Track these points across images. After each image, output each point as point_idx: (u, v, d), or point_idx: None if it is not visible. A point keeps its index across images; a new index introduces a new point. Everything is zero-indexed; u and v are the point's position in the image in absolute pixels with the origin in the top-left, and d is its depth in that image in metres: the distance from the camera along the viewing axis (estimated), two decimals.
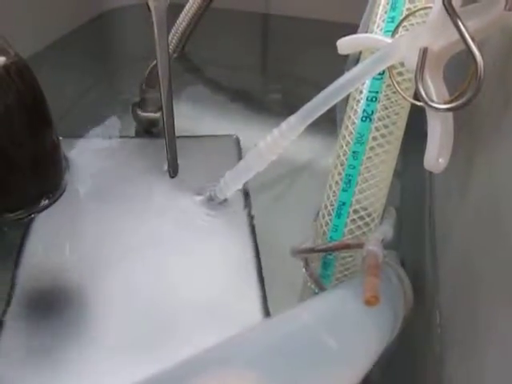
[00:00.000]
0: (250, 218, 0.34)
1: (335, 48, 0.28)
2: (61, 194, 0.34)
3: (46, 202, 0.33)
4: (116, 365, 0.25)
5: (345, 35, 0.28)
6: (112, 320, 0.27)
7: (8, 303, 0.28)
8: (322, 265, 0.29)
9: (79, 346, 0.26)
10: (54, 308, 0.28)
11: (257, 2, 0.62)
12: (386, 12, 0.27)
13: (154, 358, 0.25)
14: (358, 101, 0.27)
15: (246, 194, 0.35)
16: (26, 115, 0.30)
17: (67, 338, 0.26)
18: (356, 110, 0.27)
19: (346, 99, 0.27)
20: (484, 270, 0.21)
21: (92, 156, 0.39)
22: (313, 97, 0.25)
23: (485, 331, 0.20)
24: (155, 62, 0.34)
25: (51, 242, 0.31)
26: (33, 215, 0.33)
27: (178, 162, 0.37)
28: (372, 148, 0.26)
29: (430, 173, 0.24)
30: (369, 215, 0.27)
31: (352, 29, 0.37)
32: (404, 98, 0.25)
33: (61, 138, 0.35)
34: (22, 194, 0.33)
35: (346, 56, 0.35)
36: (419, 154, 0.24)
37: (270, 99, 0.50)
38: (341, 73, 0.26)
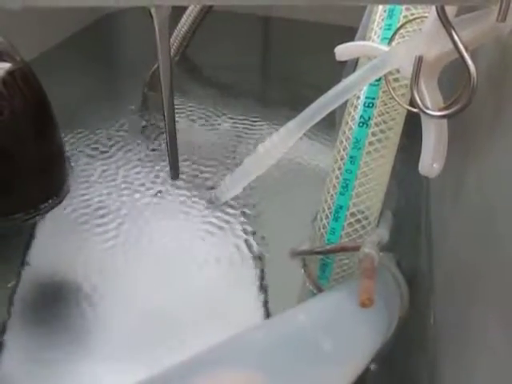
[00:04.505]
0: (250, 220, 0.34)
1: None
2: (64, 196, 0.35)
3: (50, 203, 0.34)
4: (117, 366, 0.26)
5: (345, 38, 0.28)
6: (114, 321, 0.28)
7: (12, 304, 0.28)
8: (320, 266, 0.30)
9: (81, 346, 0.26)
10: (57, 309, 0.28)
11: (258, 5, 0.63)
12: (383, 19, 0.27)
13: (154, 359, 0.26)
14: (356, 106, 0.27)
15: (246, 196, 0.36)
16: (30, 119, 0.31)
17: (70, 339, 0.27)
18: (353, 116, 0.27)
19: (345, 104, 0.28)
20: (478, 272, 0.22)
21: (95, 158, 0.40)
22: (314, 99, 0.26)
23: (476, 333, 0.20)
24: (157, 65, 0.35)
25: (55, 244, 0.32)
26: (37, 217, 0.33)
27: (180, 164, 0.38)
28: (369, 153, 0.27)
29: (426, 176, 0.25)
30: (365, 218, 0.28)
31: (352, 32, 0.37)
32: (400, 104, 0.25)
33: (64, 139, 0.35)
34: (27, 195, 0.33)
35: (346, 60, 0.36)
36: (416, 157, 0.24)
37: (272, 102, 0.50)
38: (341, 76, 0.26)
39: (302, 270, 0.30)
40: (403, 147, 0.29)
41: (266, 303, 0.29)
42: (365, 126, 0.27)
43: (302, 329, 0.20)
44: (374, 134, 0.27)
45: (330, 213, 0.28)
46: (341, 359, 0.20)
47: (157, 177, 0.38)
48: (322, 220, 0.29)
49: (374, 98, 0.27)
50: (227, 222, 0.34)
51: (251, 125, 0.45)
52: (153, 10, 0.32)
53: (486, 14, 0.21)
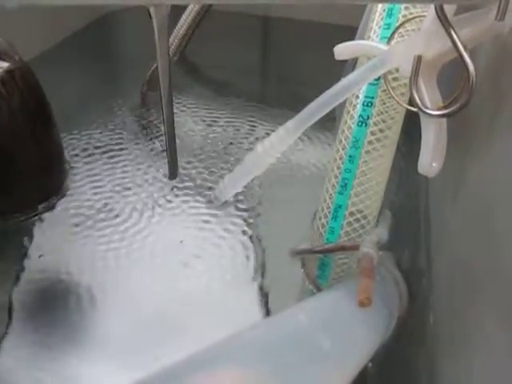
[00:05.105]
0: (250, 219, 0.34)
1: None
2: (63, 196, 0.35)
3: (49, 203, 0.34)
4: (117, 366, 0.26)
5: (344, 37, 0.28)
6: (113, 321, 0.28)
7: (11, 303, 0.28)
8: (319, 266, 0.30)
9: (80, 346, 0.26)
10: (56, 308, 0.28)
11: (257, 4, 0.63)
12: (382, 19, 0.27)
13: (153, 358, 0.26)
14: (355, 106, 0.27)
15: (245, 195, 0.36)
16: (29, 118, 0.31)
17: (68, 339, 0.27)
18: (352, 115, 0.27)
19: (345, 103, 0.28)
20: (476, 272, 0.22)
21: (94, 157, 0.39)
22: (313, 99, 0.26)
23: (475, 332, 0.20)
24: (156, 64, 0.34)
25: (54, 244, 0.32)
26: (36, 217, 0.33)
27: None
28: (368, 152, 0.27)
29: (426, 176, 0.25)
30: (364, 218, 0.28)
31: (352, 31, 0.37)
32: (399, 103, 0.25)
33: (63, 139, 0.35)
34: (26, 195, 0.33)
35: (345, 59, 0.36)
36: (415, 156, 0.24)
37: (271, 101, 0.50)
38: (340, 75, 0.26)
39: (302, 270, 0.30)
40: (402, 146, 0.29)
41: (265, 302, 0.29)
42: (364, 125, 0.27)
43: (301, 328, 0.20)
44: (372, 134, 0.27)
45: (329, 212, 0.28)
46: (339, 358, 0.20)
47: (155, 176, 0.38)
48: (320, 219, 0.29)
49: (373, 97, 0.27)
50: (227, 221, 0.34)
51: (250, 124, 0.45)
52: (152, 10, 0.32)
53: (484, 13, 0.21)
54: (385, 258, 0.28)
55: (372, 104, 0.26)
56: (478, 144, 0.25)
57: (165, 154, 0.37)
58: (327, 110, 0.26)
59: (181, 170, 0.38)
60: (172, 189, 0.37)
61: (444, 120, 0.23)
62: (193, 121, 0.45)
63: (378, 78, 0.26)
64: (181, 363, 0.18)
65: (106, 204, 0.35)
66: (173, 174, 0.38)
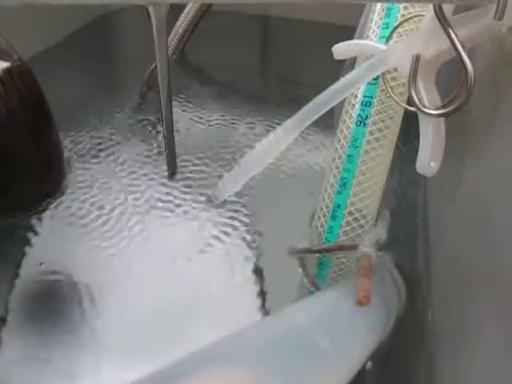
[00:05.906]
0: (248, 218, 0.34)
1: None
2: (62, 195, 0.35)
3: (48, 203, 0.34)
4: (115, 367, 0.26)
5: (344, 37, 0.28)
6: (113, 321, 0.28)
7: (10, 303, 0.28)
8: (318, 265, 0.30)
9: (77, 346, 0.26)
10: (55, 308, 0.28)
11: (256, 3, 0.63)
12: (381, 18, 0.27)
13: (152, 358, 0.26)
14: (353, 105, 0.27)
15: (244, 194, 0.36)
16: (27, 118, 0.31)
17: (67, 338, 0.27)
18: (351, 115, 0.27)
19: (342, 103, 0.28)
20: (474, 271, 0.22)
21: (93, 157, 0.39)
22: (312, 98, 0.26)
23: (473, 331, 0.20)
24: (154, 64, 0.35)
25: (53, 243, 0.32)
26: (35, 216, 0.33)
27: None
28: (366, 152, 0.27)
29: (424, 175, 0.25)
30: (363, 217, 0.28)
31: (351, 31, 0.37)
32: (397, 102, 0.25)
33: (62, 138, 0.35)
34: (24, 195, 0.33)
35: (344, 59, 0.36)
36: (413, 156, 0.24)
37: (270, 100, 0.50)
38: (339, 74, 0.26)
39: (300, 269, 0.30)
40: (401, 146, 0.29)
41: (263, 302, 0.29)
42: (362, 124, 0.27)
43: (299, 327, 0.20)
44: (371, 133, 0.27)
45: (328, 211, 0.28)
46: (338, 357, 0.20)
47: (154, 176, 0.38)
48: (319, 219, 0.29)
49: (371, 97, 0.27)
50: (225, 220, 0.34)
51: (249, 123, 0.45)
52: (150, 9, 0.32)
53: (483, 13, 0.21)
54: (383, 258, 0.28)
55: (371, 103, 0.27)
56: (477, 143, 0.25)
57: (164, 153, 0.37)
58: (325, 110, 0.26)
59: (179, 170, 0.38)
60: (171, 188, 0.37)
61: (442, 119, 0.23)
62: (191, 120, 0.45)
63: (377, 78, 0.26)
64: (178, 363, 0.18)
65: (105, 203, 0.35)
66: (172, 173, 0.38)
